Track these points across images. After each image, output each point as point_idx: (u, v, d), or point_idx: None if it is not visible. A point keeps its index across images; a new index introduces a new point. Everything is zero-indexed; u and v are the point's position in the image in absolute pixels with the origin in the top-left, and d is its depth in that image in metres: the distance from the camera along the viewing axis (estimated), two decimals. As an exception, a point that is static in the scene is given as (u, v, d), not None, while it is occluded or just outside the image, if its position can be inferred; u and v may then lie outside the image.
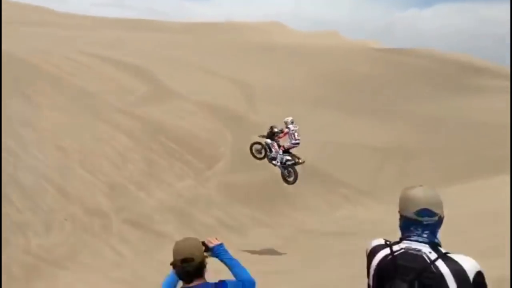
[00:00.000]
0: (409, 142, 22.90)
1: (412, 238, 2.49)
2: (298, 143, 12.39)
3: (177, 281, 2.98)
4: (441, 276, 2.29)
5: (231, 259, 3.03)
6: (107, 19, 58.58)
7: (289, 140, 12.42)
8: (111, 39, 34.45)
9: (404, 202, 2.54)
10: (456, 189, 17.82)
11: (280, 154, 12.44)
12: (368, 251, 2.64)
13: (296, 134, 12.36)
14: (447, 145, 23.06)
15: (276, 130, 12.51)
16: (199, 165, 19.24)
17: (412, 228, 2.49)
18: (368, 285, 2.61)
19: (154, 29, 48.54)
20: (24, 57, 25.92)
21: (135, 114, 22.18)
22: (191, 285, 2.78)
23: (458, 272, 2.29)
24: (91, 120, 21.05)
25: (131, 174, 17.90)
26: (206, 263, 2.86)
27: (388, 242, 2.57)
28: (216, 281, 2.88)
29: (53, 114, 21.09)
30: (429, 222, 2.46)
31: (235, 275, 2.96)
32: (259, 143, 13.05)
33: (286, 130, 12.40)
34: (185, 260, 2.74)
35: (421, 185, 2.56)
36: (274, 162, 12.70)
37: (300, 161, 12.38)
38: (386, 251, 2.52)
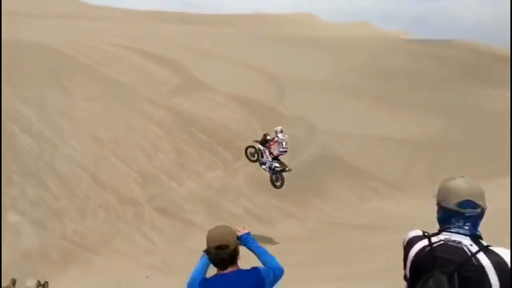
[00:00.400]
0: (441, 135, 22.39)
1: (452, 230, 2.43)
2: (285, 151, 13.10)
3: (207, 268, 3.02)
4: (482, 268, 2.25)
5: (259, 247, 3.08)
6: (138, 11, 59.50)
7: (277, 148, 13.09)
8: (143, 31, 34.99)
9: (444, 193, 2.49)
10: (491, 184, 17.34)
11: (269, 161, 13.20)
12: (405, 242, 2.58)
13: (284, 143, 13.03)
14: (481, 139, 22.40)
15: (268, 138, 13.17)
16: (228, 156, 19.42)
17: (453, 220, 2.44)
18: (405, 276, 2.56)
19: (185, 21, 48.96)
20: (60, 49, 26.71)
21: (166, 105, 22.55)
22: (225, 271, 2.82)
23: (499, 264, 2.25)
24: (124, 110, 21.55)
25: (163, 164, 18.27)
26: (239, 251, 2.92)
27: (426, 233, 2.51)
28: (248, 268, 2.93)
29: (88, 105, 21.71)
30: (472, 214, 2.40)
31: (263, 263, 2.99)
32: (253, 147, 13.76)
33: (276, 138, 13.04)
34: (220, 247, 2.79)
35: (462, 176, 2.51)
36: (263, 166, 13.47)
37: (287, 169, 13.15)
38: (424, 242, 2.46)
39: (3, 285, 7.66)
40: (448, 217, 2.47)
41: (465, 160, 19.69)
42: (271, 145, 13.20)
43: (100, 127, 19.74)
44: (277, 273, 2.95)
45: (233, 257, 2.85)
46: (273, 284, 2.92)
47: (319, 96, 25.86)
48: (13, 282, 7.26)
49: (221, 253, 2.80)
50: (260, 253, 3.05)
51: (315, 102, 24.77)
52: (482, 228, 2.47)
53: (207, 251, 2.90)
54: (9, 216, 14.76)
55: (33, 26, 31.30)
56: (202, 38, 33.91)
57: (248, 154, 13.99)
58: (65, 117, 20.22)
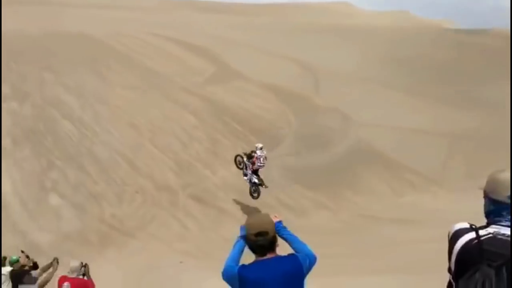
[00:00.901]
0: (479, 128, 21.59)
1: (502, 223, 2.35)
2: (262, 166, 14.50)
3: (242, 255, 3.06)
4: None
5: (291, 234, 3.10)
6: (175, 1, 60.05)
7: (256, 162, 14.42)
8: (180, 21, 35.39)
9: (494, 186, 2.41)
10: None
11: (250, 174, 14.60)
12: (451, 234, 2.50)
13: (261, 159, 14.35)
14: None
15: (253, 154, 14.44)
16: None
17: (504, 213, 2.36)
18: (449, 268, 2.51)
19: (222, 10, 49.08)
20: (99, 38, 27.40)
21: (201, 94, 22.80)
22: (264, 258, 2.86)
23: None
24: (160, 99, 21.95)
25: (197, 152, 18.55)
26: (277, 238, 2.95)
27: (473, 226, 2.44)
28: (286, 254, 2.96)
29: (126, 93, 22.25)
30: None
31: (296, 250, 3.02)
32: (242, 157, 15.06)
33: (255, 155, 14.40)
34: (259, 234, 2.83)
35: None
36: (245, 178, 14.85)
37: (263, 186, 14.53)
38: (471, 235, 2.38)
39: (46, 263, 8.02)
40: (499, 209, 2.40)
41: (503, 154, 18.95)
42: (253, 161, 14.47)
43: (138, 114, 20.22)
44: (312, 260, 2.98)
45: (272, 243, 2.89)
46: (308, 271, 2.95)
47: (355, 87, 25.46)
48: (57, 261, 7.60)
49: (261, 240, 2.83)
50: (292, 241, 3.08)
51: (351, 93, 24.42)
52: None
53: (245, 238, 2.94)
54: (51, 199, 15.41)
55: (74, 16, 32.21)
56: (237, 27, 33.97)
57: (237, 162, 15.31)
58: (104, 104, 20.81)
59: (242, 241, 3.06)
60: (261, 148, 14.44)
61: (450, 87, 26.48)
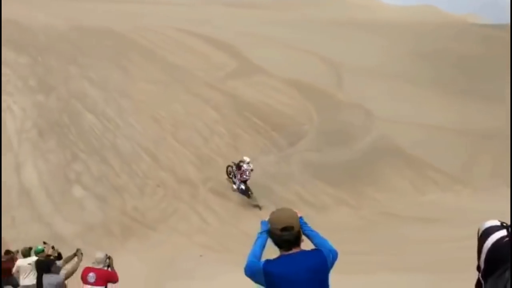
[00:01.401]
0: (506, 126, 20.99)
1: None
2: (247, 179, 15.88)
3: (263, 249, 3.05)
4: None
5: (312, 230, 3.08)
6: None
7: (243, 175, 15.85)
8: (203, 15, 35.47)
9: None
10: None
11: (238, 183, 15.95)
12: (481, 231, 2.43)
13: (247, 172, 15.80)
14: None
15: (241, 165, 15.88)
16: (282, 142, 19.43)
17: None
18: (478, 267, 2.43)
19: (245, 5, 48.99)
20: (123, 32, 27.71)
21: (223, 89, 22.85)
22: (289, 252, 2.87)
23: None
24: (182, 93, 22.10)
25: (218, 147, 18.64)
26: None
27: (504, 224, 2.36)
28: (309, 249, 2.96)
29: (148, 87, 22.48)
30: None
31: (317, 245, 3.01)
32: (232, 167, 16.47)
33: (242, 168, 15.89)
34: (285, 229, 2.83)
35: None
36: (234, 186, 16.12)
37: (250, 193, 15.83)
38: (502, 232, 2.31)
39: (70, 253, 8.18)
40: None
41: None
42: (240, 173, 15.88)
43: (160, 108, 20.41)
44: (334, 255, 2.98)
45: (298, 238, 2.90)
46: (332, 266, 2.94)
47: (379, 82, 25.10)
48: (81, 252, 7.72)
49: (286, 235, 2.84)
50: (313, 236, 3.07)
51: (374, 89, 24.08)
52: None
53: (268, 233, 2.94)
54: (75, 191, 15.73)
55: (99, 10, 32.64)
56: (261, 22, 33.87)
57: (228, 171, 16.65)
58: (127, 98, 21.08)
59: (264, 236, 3.05)
60: (248, 163, 15.93)
61: (476, 84, 25.84)
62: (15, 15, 27.18)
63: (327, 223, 14.28)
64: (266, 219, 3.09)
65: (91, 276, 6.74)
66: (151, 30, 28.81)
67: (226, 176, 16.73)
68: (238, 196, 16.17)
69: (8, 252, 11.60)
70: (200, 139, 18.98)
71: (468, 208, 14.66)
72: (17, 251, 10.81)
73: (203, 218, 15.09)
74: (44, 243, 9.68)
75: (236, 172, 16.11)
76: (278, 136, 19.69)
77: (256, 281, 2.90)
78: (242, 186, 15.91)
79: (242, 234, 13.77)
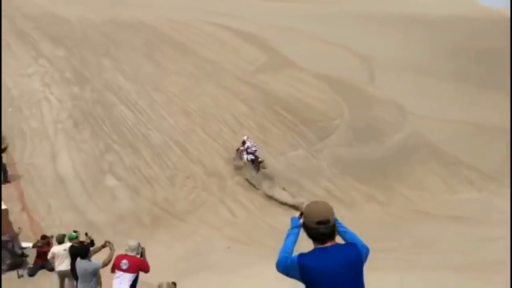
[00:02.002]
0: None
1: None
2: (254, 152, 17.16)
3: (295, 245, 3.05)
4: None
5: (342, 225, 3.06)
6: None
7: (248, 151, 17.16)
8: (233, 8, 35.49)
9: None
10: None
11: (246, 155, 17.16)
12: None
13: (253, 148, 17.15)
14: None
15: (245, 142, 17.36)
16: (312, 136, 19.28)
17: None
18: None
19: (276, -2, 48.71)
20: (155, 25, 28.07)
21: (253, 83, 22.85)
22: (325, 245, 2.87)
23: None
24: (213, 87, 22.24)
25: (247, 140, 18.66)
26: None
27: None
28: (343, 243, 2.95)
29: (179, 80, 22.74)
30: None
31: (349, 241, 2.99)
32: (239, 148, 17.65)
33: (243, 147, 17.33)
34: (321, 222, 2.82)
35: None
36: (244, 159, 17.20)
37: (260, 159, 17.07)
38: None
39: (102, 242, 8.36)
40: None
41: None
42: (246, 149, 17.18)
43: (190, 101, 20.62)
44: (367, 251, 2.96)
45: (333, 232, 2.88)
46: (366, 260, 2.92)
47: (413, 78, 24.50)
48: (112, 245, 7.79)
49: (322, 228, 2.83)
50: (344, 232, 3.04)
51: (408, 84, 23.54)
52: None
53: (304, 225, 2.94)
54: (108, 181, 16.14)
55: (132, 3, 33.17)
56: (291, 15, 33.60)
57: (238, 153, 17.69)
58: (159, 90, 21.40)
59: (295, 232, 3.05)
60: (248, 139, 17.55)
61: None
62: (52, 7, 28.02)
63: (355, 219, 14.12)
64: (297, 215, 3.09)
65: (124, 263, 6.88)
66: (182, 23, 29.07)
67: (235, 157, 17.76)
68: (265, 190, 16.17)
69: (44, 237, 12.07)
70: (229, 132, 19.08)
71: (504, 208, 14.15)
72: (52, 236, 11.23)
73: (231, 210, 15.20)
74: (75, 231, 9.96)
75: (241, 150, 17.36)
76: (307, 130, 19.56)
77: (290, 275, 2.90)
78: (251, 157, 17.08)
79: (269, 228, 13.82)
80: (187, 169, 16.84)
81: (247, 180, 16.95)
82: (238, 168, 17.36)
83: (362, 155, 18.27)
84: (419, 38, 30.51)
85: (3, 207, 12.49)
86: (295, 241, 3.04)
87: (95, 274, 7.46)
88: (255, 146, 17.38)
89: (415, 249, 11.67)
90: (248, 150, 17.20)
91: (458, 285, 7.57)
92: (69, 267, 9.11)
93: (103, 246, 7.96)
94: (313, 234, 2.88)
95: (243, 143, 17.49)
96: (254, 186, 16.66)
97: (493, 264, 7.89)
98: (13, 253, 11.76)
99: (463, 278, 7.71)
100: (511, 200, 11.19)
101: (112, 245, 7.66)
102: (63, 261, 9.42)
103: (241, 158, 17.40)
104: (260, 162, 17.07)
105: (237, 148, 17.75)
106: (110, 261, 7.39)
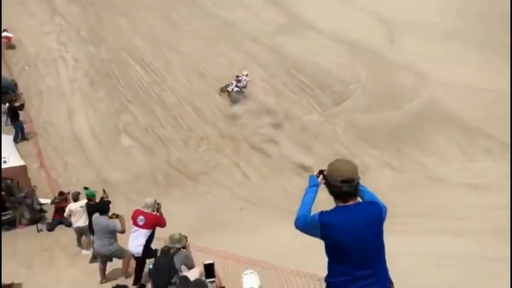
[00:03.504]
0: None
1: None
2: (243, 86, 18.40)
3: (313, 203, 3.02)
4: None
5: (361, 184, 3.02)
6: None
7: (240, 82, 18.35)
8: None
9: None
10: None
11: (233, 85, 18.32)
12: None
13: (245, 82, 18.33)
14: None
15: (239, 77, 18.43)
16: (327, 101, 19.04)
17: None
18: None
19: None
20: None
21: (270, 45, 22.43)
22: (347, 204, 2.83)
23: None
24: (229, 48, 21.92)
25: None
26: None
27: None
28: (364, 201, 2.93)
29: (196, 41, 22.43)
30: None
31: (368, 199, 2.96)
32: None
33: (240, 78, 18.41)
34: (346, 181, 2.78)
35: None
36: (229, 88, 18.39)
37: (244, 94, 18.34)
38: None
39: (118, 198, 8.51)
40: None
41: None
42: (237, 80, 18.30)
43: (206, 62, 20.40)
44: (385, 209, 2.93)
45: (357, 190, 2.85)
46: (385, 219, 2.90)
47: (434, 42, 23.75)
48: (117, 215, 7.77)
49: (346, 187, 2.79)
50: (362, 191, 3.00)
51: (428, 49, 22.83)
52: None
53: (326, 183, 2.90)
54: (123, 140, 16.31)
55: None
56: (310, -24, 32.52)
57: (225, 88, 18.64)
58: (174, 51, 21.19)
59: (313, 190, 3.02)
60: (246, 75, 18.50)
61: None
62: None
63: (368, 185, 14.04)
64: (315, 173, 3.05)
65: (141, 219, 7.00)
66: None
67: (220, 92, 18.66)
68: (278, 153, 16.13)
69: (61, 193, 12.36)
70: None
71: (520, 177, 13.95)
72: (69, 193, 11.47)
73: (244, 172, 15.29)
74: (85, 188, 10.04)
75: (233, 81, 18.38)
76: (323, 94, 19.31)
77: (310, 233, 2.88)
78: (237, 88, 18.28)
79: (282, 190, 13.91)
80: (201, 131, 16.88)
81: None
82: (223, 91, 18.53)
83: (377, 121, 18.03)
84: (447, 3, 29.35)
85: (22, 163, 12.75)
86: (313, 199, 3.00)
87: (112, 233, 7.60)
88: (246, 83, 18.39)
89: (429, 215, 11.66)
90: (239, 84, 18.26)
91: (473, 252, 7.58)
92: (86, 223, 9.35)
93: (111, 217, 7.80)
94: (336, 193, 2.83)
95: (237, 76, 18.45)
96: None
97: (507, 231, 7.86)
98: (32, 209, 12.09)
99: (476, 245, 7.71)
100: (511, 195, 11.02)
101: (122, 217, 7.71)
102: (80, 217, 9.64)
103: (226, 86, 18.42)
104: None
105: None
106: (124, 231, 7.55)
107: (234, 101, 18.45)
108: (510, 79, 19.22)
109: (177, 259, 5.78)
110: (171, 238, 6.12)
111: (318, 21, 24.47)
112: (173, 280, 5.49)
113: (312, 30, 23.80)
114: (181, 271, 5.73)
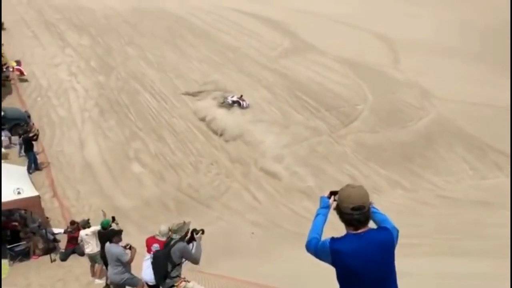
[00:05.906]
0: None
1: None
2: (238, 102, 19.24)
3: (324, 226, 2.99)
4: None
5: (373, 206, 2.98)
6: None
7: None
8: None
9: None
10: None
11: (229, 99, 19.38)
12: None
13: (246, 103, 19.21)
14: None
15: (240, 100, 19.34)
16: (335, 122, 19.14)
17: None
18: None
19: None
20: (178, 13, 28.16)
21: (275, 68, 22.76)
22: (358, 231, 2.79)
23: None
24: (235, 73, 22.27)
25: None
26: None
27: None
28: (375, 228, 2.89)
29: (202, 66, 22.85)
30: None
31: (380, 222, 2.91)
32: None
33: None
34: (357, 208, 2.74)
35: None
36: (226, 100, 19.33)
37: (241, 99, 19.32)
38: None
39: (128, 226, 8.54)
40: None
41: None
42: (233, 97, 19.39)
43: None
44: (397, 233, 2.90)
45: (368, 218, 2.79)
46: (397, 243, 2.87)
47: (439, 60, 23.92)
48: (131, 247, 7.83)
49: (357, 214, 2.75)
50: (374, 213, 2.97)
51: (434, 67, 23.01)
52: None
53: (337, 209, 2.87)
54: (134, 167, 16.44)
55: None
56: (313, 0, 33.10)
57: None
58: (181, 77, 21.57)
59: (325, 212, 3.00)
60: (243, 99, 19.41)
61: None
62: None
63: (380, 206, 13.98)
64: (326, 194, 3.00)
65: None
66: (204, 10, 29.07)
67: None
68: (288, 176, 16.16)
69: (73, 222, 12.42)
70: (252, 118, 19.09)
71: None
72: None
73: (254, 196, 15.30)
74: (103, 212, 10.09)
75: (231, 96, 19.43)
76: (330, 116, 19.42)
77: (321, 259, 2.87)
78: (233, 100, 19.22)
79: (293, 213, 13.88)
80: (211, 155, 17.00)
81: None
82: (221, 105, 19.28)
83: (386, 140, 18.06)
84: (445, 19, 29.67)
85: (35, 194, 12.87)
86: (325, 222, 2.95)
87: (123, 262, 7.64)
88: (248, 105, 19.22)
89: (443, 235, 11.54)
90: (236, 99, 19.23)
91: (487, 272, 7.49)
92: (95, 250, 9.39)
93: (125, 247, 7.80)
94: (347, 220, 2.79)
95: (241, 96, 19.42)
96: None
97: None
98: (45, 239, 12.16)
99: (490, 264, 7.61)
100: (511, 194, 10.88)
101: (135, 249, 7.74)
102: (88, 244, 9.69)
103: (225, 100, 19.33)
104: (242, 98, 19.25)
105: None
106: (132, 260, 7.60)
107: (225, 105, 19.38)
108: (510, 93, 19.21)
109: (174, 251, 5.78)
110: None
111: (322, 43, 24.85)
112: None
113: (316, 52, 24.14)
114: (179, 264, 5.77)
